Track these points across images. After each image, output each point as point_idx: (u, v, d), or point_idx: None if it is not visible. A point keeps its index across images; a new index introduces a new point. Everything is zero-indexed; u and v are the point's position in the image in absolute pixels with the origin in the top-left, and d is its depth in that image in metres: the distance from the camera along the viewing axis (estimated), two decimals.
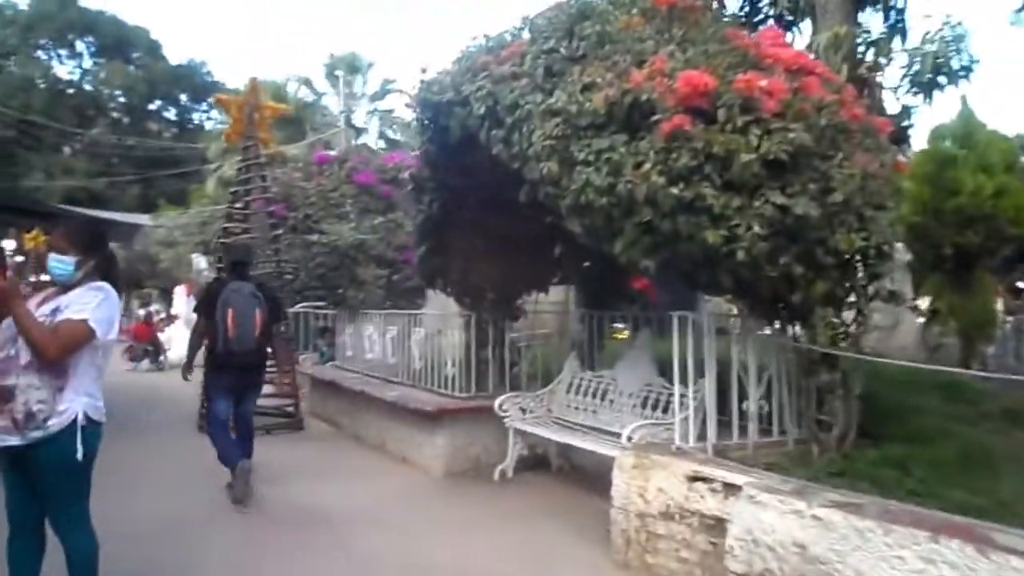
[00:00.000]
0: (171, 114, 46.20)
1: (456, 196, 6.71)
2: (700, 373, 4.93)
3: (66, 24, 40.97)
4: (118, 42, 42.74)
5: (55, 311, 3.26)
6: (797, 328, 4.66)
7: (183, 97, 45.39)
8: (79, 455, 3.20)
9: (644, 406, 5.83)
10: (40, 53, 41.11)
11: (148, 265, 23.43)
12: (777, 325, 4.79)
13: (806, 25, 8.25)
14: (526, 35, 5.38)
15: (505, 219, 6.62)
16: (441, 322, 7.92)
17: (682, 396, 5.02)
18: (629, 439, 5.06)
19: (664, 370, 5.89)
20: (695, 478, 4.24)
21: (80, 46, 42.70)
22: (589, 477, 6.33)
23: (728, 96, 4.09)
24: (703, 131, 4.05)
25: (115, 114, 42.43)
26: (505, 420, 6.57)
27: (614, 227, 4.24)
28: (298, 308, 11.45)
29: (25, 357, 3.16)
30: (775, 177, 4.03)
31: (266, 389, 9.22)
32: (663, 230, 4.08)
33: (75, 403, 3.21)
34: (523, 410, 6.64)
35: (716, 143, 4.00)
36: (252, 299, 5.89)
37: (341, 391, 9.14)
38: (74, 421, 3.20)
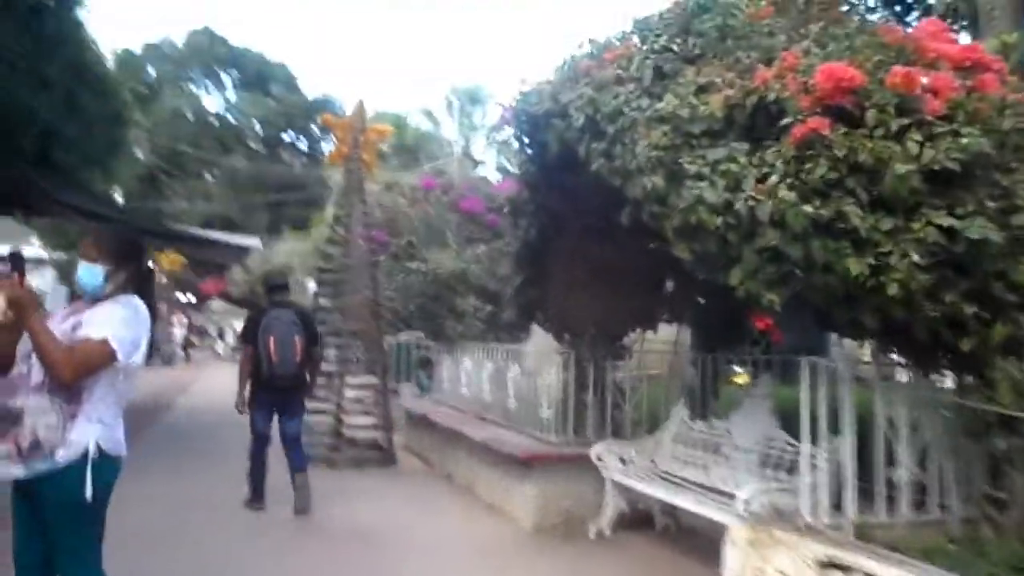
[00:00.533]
0: (303, 145, 48.17)
1: (556, 221, 6.12)
2: (834, 429, 4.10)
3: (214, 59, 43.66)
4: (259, 76, 45.07)
5: (76, 326, 2.86)
6: (956, 378, 3.75)
7: (315, 129, 47.29)
8: (88, 493, 2.76)
9: (763, 465, 4.98)
10: (191, 87, 43.91)
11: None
12: (934, 375, 3.90)
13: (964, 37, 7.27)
14: (635, 40, 4.76)
15: (610, 247, 5.97)
16: (538, 359, 7.31)
17: (812, 456, 4.19)
18: (745, 505, 4.25)
19: (788, 423, 5.06)
20: (829, 564, 3.41)
21: (226, 80, 45.34)
22: (700, 541, 5.49)
23: (880, 95, 3.31)
24: (845, 136, 3.28)
25: (252, 144, 44.61)
26: (603, 471, 5.85)
27: (731, 253, 3.51)
28: (400, 338, 11.20)
29: (37, 376, 2.77)
30: (940, 193, 3.21)
31: (361, 421, 9.10)
32: (792, 257, 3.32)
33: (87, 433, 2.79)
34: (623, 460, 5.90)
35: (863, 151, 3.23)
36: (292, 326, 6.15)
37: (433, 427, 8.65)
38: (84, 454, 2.77)
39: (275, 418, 6.28)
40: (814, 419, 4.14)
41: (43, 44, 9.56)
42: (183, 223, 27.94)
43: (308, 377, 6.49)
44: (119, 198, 24.57)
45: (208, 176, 42.00)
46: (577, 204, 5.78)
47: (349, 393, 8.95)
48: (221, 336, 37.70)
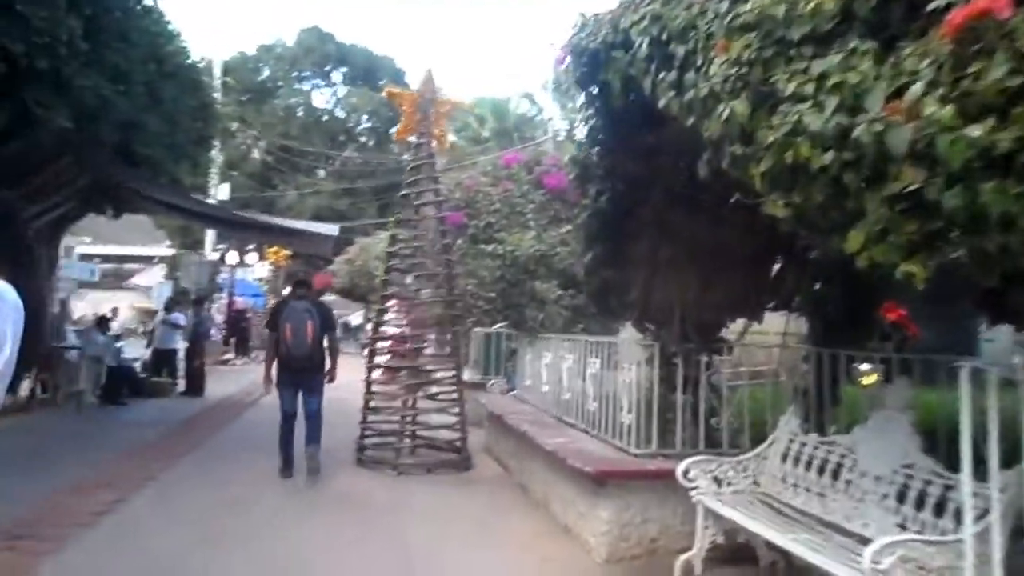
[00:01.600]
0: (412, 136, 48.30)
1: (633, 188, 5.05)
2: (1007, 459, 2.90)
3: (324, 56, 44.36)
4: (367, 71, 45.50)
5: None
6: None
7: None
8: None
9: (901, 500, 3.77)
10: (302, 85, 44.86)
11: (367, 280, 23.95)
12: None
13: None
14: None
15: (701, 220, 4.89)
16: (623, 352, 6.24)
17: (976, 495, 3.00)
18: (875, 563, 3.08)
19: (932, 444, 3.84)
20: None
21: (335, 76, 46.05)
22: None
23: None
24: None
25: (362, 138, 45.12)
26: (692, 493, 4.74)
27: (847, 205, 2.36)
28: (490, 328, 10.36)
29: None
30: None
31: (434, 419, 8.29)
32: (945, 208, 2.15)
33: None
34: (718, 480, 4.77)
35: None
36: (305, 313, 7.03)
37: (508, 429, 7.73)
38: None
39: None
40: (977, 443, 2.94)
41: (118, 36, 9.28)
42: (294, 217, 28.44)
43: (327, 362, 7.26)
44: (225, 193, 25.07)
45: (319, 171, 42.73)
46: (658, 165, 4.73)
47: (421, 390, 8.19)
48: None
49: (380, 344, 8.65)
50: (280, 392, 7.13)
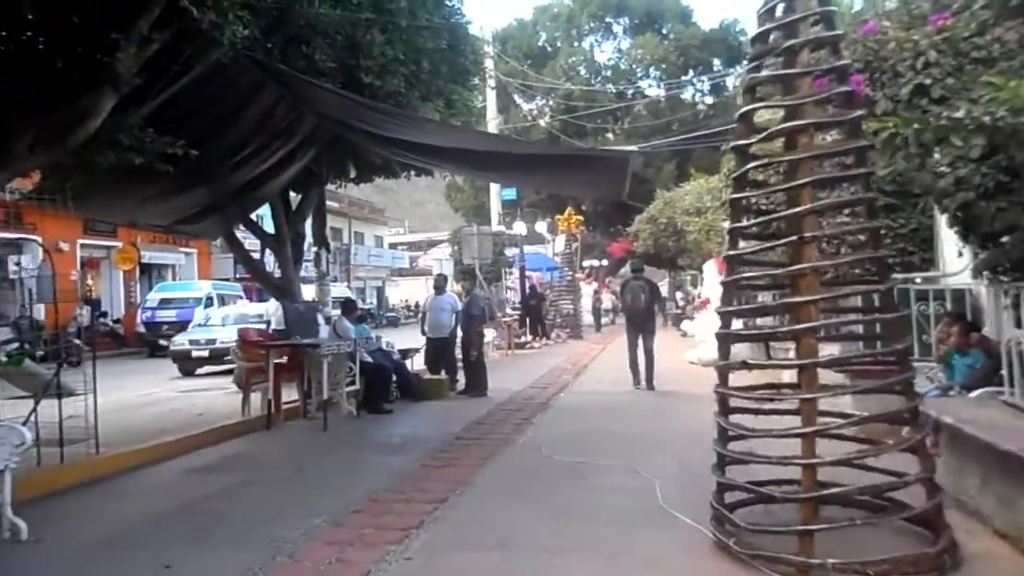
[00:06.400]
0: (704, 84, 43.51)
1: None
2: None
3: (602, 7, 41.08)
4: (649, 17, 41.39)
5: None
6: None
7: (716, 62, 42.08)
8: None
9: None
10: (582, 42, 42.02)
11: (675, 239, 20.03)
12: None
13: None
14: None
15: None
16: None
17: None
18: None
19: None
20: None
21: (615, 28, 42.57)
22: None
23: None
24: None
25: (650, 90, 41.22)
26: None
27: None
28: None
29: None
30: None
31: (845, 449, 4.19)
32: None
33: None
34: None
35: None
36: (639, 289, 10.93)
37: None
38: None
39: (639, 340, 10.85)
40: None
41: None
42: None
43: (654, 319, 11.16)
44: None
45: (608, 133, 39.53)
46: None
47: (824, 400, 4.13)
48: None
49: (738, 324, 4.71)
50: (628, 336, 11.09)
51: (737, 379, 4.30)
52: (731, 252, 4.09)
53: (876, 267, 3.90)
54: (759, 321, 7.74)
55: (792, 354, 3.78)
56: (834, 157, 4.41)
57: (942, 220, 6.25)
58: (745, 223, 4.10)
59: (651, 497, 5.19)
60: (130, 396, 11.17)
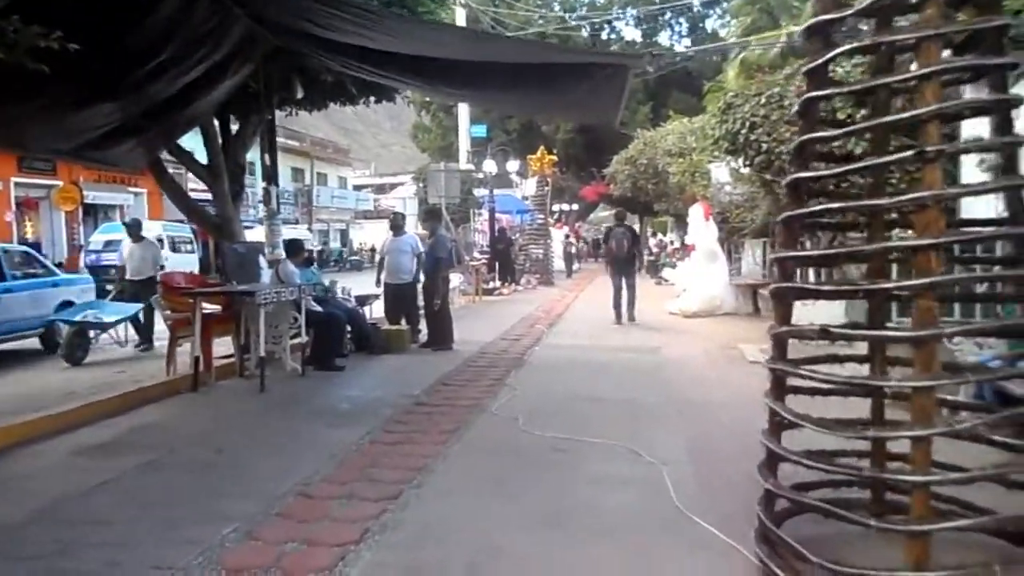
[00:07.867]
0: (682, 27, 41.99)
1: None
2: None
3: None
4: None
5: None
6: None
7: (695, 2, 40.39)
8: None
9: None
10: None
11: (655, 182, 18.83)
12: None
13: None
14: None
15: None
16: None
17: None
18: None
19: None
20: None
21: None
22: None
23: None
24: None
25: (625, 33, 39.51)
26: None
27: None
28: None
29: None
30: None
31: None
32: None
33: None
34: None
35: None
36: (622, 235, 12.58)
37: None
38: None
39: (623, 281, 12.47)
40: None
41: None
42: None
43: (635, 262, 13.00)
44: None
45: None
46: None
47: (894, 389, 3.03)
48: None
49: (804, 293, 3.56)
50: (612, 278, 12.62)
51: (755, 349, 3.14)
52: (799, 175, 2.88)
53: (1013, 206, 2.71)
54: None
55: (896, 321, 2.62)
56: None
57: None
58: (824, 134, 2.87)
59: (662, 492, 4.09)
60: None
